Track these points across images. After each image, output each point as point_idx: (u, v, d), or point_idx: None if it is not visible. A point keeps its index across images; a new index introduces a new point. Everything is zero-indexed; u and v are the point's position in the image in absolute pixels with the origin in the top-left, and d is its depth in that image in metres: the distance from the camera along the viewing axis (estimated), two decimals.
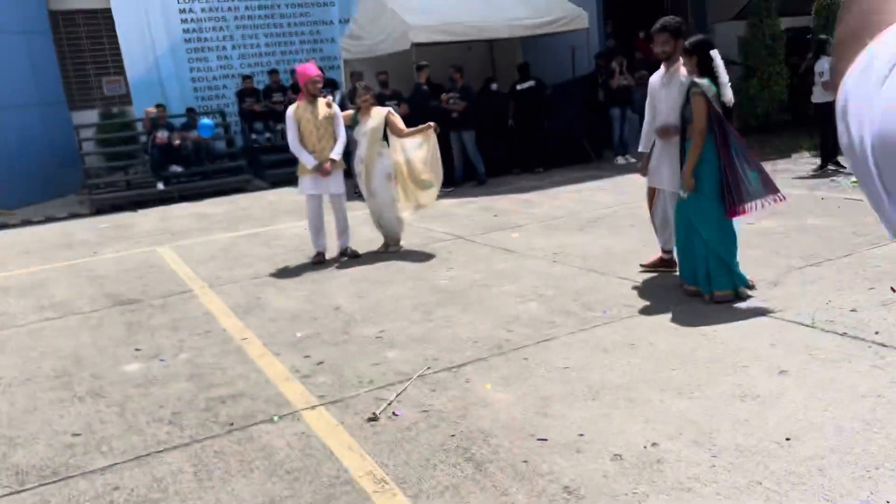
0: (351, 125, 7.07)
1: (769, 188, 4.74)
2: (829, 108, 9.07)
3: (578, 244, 6.72)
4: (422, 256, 6.86)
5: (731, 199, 4.65)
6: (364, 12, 12.21)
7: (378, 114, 6.97)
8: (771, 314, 4.47)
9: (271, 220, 9.71)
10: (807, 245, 5.90)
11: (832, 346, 3.91)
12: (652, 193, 5.51)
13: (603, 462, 3.01)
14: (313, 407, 3.80)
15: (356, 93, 7.08)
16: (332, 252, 7.13)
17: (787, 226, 6.58)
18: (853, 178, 8.45)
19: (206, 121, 12.66)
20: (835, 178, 8.76)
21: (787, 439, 3.03)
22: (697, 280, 4.91)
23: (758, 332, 4.21)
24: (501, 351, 4.31)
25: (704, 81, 4.69)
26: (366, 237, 7.63)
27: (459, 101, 10.65)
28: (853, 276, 5.03)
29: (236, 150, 14.01)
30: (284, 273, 6.75)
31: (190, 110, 13.15)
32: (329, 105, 6.91)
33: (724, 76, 4.76)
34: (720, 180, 4.68)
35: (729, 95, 4.78)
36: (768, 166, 10.06)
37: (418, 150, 6.95)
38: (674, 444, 3.08)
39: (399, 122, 7.02)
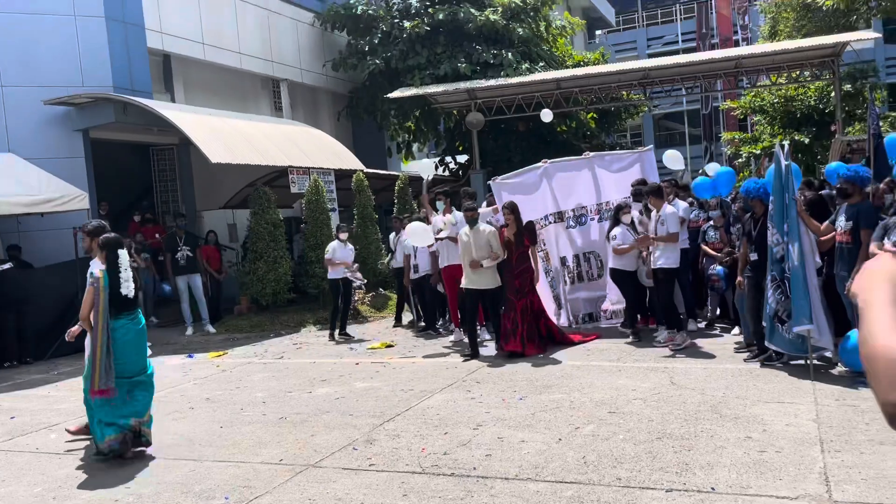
0: None
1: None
2: (338, 283, 10.33)
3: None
4: None
5: (93, 380, 5.24)
6: None
7: None
8: (381, 469, 4.77)
9: None
10: (370, 405, 6.49)
11: (451, 486, 4.39)
12: None
13: None
14: None
15: None
16: None
17: (341, 391, 7.14)
18: (368, 345, 9.68)
19: None
20: (352, 345, 9.87)
21: None
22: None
23: (379, 487, 4.44)
24: None
25: (100, 274, 5.33)
26: None
27: None
28: (423, 425, 5.74)
29: None
30: None
31: None
32: None
33: (125, 272, 5.46)
34: (92, 361, 5.27)
35: (127, 290, 5.43)
36: (285, 339, 10.86)
37: None
38: None
39: None
